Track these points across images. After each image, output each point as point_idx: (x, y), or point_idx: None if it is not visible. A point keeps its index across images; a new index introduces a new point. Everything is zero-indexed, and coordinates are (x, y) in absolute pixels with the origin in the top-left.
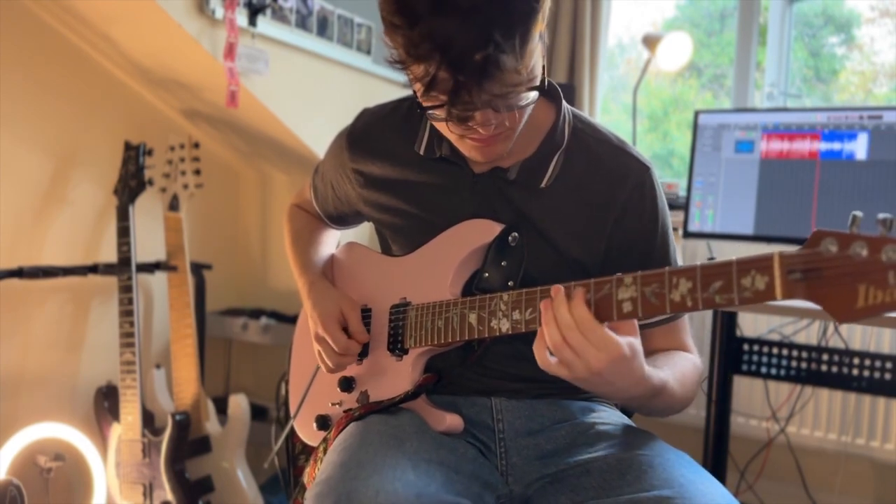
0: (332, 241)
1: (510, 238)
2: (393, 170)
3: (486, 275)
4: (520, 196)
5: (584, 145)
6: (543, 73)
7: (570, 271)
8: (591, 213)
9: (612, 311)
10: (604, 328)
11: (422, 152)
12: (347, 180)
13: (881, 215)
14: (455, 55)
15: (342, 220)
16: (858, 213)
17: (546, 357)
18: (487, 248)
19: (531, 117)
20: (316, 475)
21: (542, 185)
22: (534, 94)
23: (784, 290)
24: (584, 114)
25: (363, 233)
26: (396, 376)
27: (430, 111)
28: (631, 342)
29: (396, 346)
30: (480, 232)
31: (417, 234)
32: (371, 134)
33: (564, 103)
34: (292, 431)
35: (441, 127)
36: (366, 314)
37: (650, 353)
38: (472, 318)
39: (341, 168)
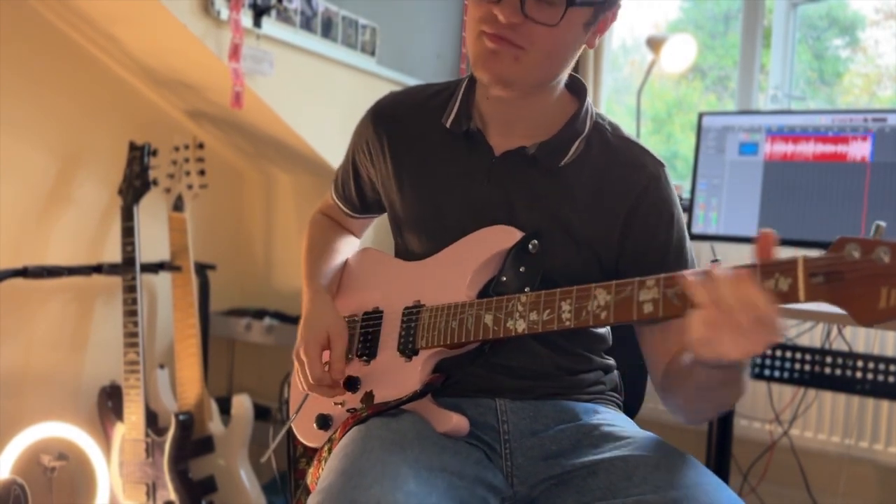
0: (346, 251)
1: (530, 246)
2: (415, 144)
3: (504, 279)
4: (538, 176)
5: (604, 137)
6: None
7: (582, 260)
8: (607, 199)
9: (633, 311)
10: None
11: (448, 125)
12: (367, 155)
13: None
14: None
15: (361, 203)
16: (882, 223)
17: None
18: (506, 254)
19: (556, 104)
20: (318, 480)
21: (561, 164)
22: (558, 13)
23: (807, 292)
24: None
25: (377, 241)
26: (404, 377)
27: None
28: None
29: (407, 347)
30: (500, 237)
31: (429, 219)
32: (397, 108)
33: (588, 99)
34: (294, 434)
35: (467, 27)
36: (376, 316)
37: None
38: (488, 318)
39: (364, 143)
